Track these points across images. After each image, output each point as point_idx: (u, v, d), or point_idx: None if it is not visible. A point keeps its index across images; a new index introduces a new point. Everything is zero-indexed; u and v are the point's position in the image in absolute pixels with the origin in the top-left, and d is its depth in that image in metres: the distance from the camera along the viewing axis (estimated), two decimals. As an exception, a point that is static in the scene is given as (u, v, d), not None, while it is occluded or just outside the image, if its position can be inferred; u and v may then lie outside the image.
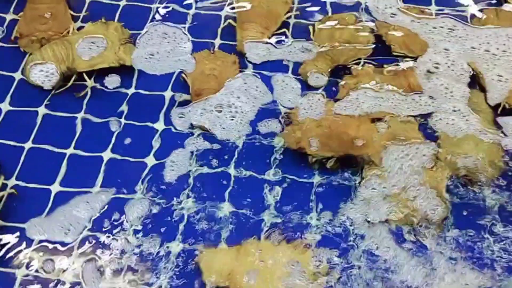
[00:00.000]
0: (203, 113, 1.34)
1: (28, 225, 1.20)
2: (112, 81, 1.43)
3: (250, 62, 1.45)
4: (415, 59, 1.43)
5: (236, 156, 1.31)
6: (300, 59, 1.45)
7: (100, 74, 1.44)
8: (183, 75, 1.42)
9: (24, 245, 1.18)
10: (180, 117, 1.35)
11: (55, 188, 1.27)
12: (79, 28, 1.51)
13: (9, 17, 1.55)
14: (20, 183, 1.28)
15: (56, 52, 1.40)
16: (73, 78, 1.40)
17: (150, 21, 1.54)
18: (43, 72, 1.38)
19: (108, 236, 1.20)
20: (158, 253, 1.18)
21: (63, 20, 1.51)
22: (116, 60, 1.41)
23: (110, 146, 1.33)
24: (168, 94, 1.41)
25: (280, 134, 1.33)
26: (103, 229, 1.21)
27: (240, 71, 1.43)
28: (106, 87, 1.42)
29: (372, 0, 1.54)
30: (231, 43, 1.51)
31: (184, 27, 1.53)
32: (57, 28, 1.49)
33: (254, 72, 1.44)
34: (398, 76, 1.40)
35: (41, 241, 1.18)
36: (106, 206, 1.23)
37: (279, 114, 1.37)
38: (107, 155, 1.32)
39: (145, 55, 1.45)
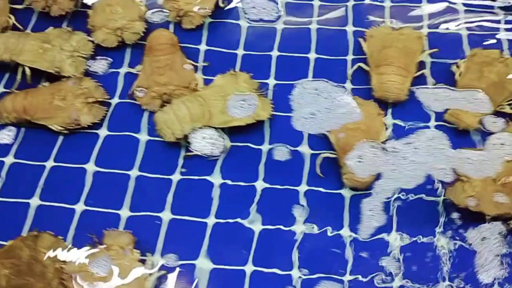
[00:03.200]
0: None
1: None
2: (243, 137, 1.31)
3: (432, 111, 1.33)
4: None
5: (398, 215, 1.19)
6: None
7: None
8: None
9: None
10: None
11: (207, 265, 1.15)
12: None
13: (123, 70, 1.45)
14: (165, 261, 1.16)
15: (192, 110, 1.28)
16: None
17: (275, 71, 1.43)
18: (206, 140, 1.26)
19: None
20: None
21: (181, 71, 1.39)
22: (253, 116, 1.30)
23: (255, 214, 1.21)
24: (306, 150, 1.29)
25: (447, 192, 1.19)
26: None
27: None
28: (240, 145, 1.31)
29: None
30: (363, 87, 1.39)
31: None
32: (178, 81, 1.37)
33: (400, 122, 1.32)
34: None
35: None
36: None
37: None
38: (257, 227, 1.19)
39: (305, 116, 1.32)
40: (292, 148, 1.30)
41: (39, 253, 1.10)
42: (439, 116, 1.33)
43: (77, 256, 1.11)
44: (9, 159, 1.29)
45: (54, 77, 1.41)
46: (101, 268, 1.08)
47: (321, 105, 1.32)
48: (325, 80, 1.38)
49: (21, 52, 1.39)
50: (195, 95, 1.31)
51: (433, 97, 1.32)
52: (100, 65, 1.44)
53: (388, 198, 1.19)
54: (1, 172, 1.27)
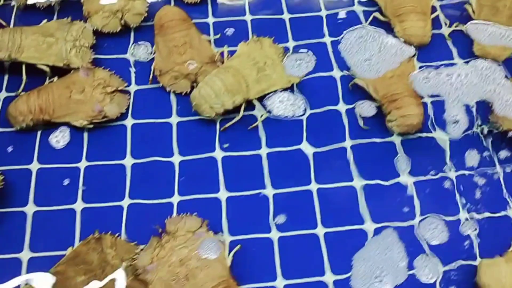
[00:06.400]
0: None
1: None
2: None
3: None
4: None
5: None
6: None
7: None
8: (356, 82, 1.28)
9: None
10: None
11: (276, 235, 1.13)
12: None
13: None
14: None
15: (226, 81, 1.21)
16: (242, 109, 1.23)
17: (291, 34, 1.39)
18: (284, 103, 1.22)
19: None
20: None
21: (200, 47, 1.32)
22: (288, 81, 1.26)
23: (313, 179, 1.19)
24: (343, 107, 1.28)
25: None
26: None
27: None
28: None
29: None
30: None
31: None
32: (200, 57, 1.30)
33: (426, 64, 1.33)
34: None
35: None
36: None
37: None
38: (312, 186, 1.18)
39: (361, 62, 1.28)
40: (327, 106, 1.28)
41: (108, 254, 1.02)
42: (463, 54, 1.35)
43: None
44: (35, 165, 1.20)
45: (59, 71, 1.30)
46: (212, 249, 1.03)
47: (372, 49, 1.30)
48: (362, 25, 1.37)
49: (21, 49, 1.27)
50: (225, 67, 1.25)
51: (483, 33, 1.33)
52: (142, 51, 1.35)
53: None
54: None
